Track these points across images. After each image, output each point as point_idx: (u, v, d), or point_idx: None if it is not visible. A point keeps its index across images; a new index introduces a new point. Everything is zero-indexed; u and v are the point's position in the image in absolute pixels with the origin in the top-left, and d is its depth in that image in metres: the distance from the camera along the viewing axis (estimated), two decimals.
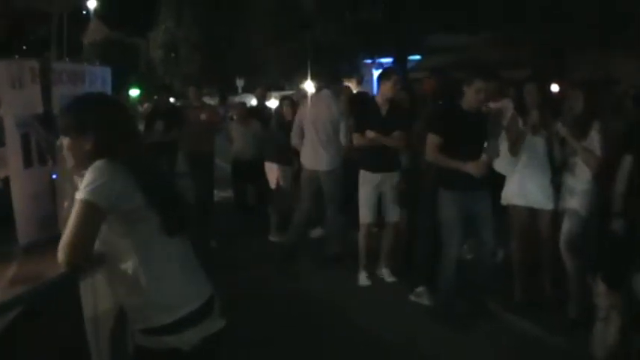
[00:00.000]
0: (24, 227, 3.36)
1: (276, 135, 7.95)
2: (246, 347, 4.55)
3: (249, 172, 8.64)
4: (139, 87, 29.88)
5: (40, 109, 3.70)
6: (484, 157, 4.95)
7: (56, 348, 2.47)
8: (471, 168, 4.84)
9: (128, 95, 32.10)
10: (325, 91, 6.65)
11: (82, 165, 2.12)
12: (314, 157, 6.56)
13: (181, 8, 35.65)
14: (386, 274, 6.22)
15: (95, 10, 35.79)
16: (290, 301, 5.65)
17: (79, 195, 2.01)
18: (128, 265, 2.07)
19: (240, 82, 30.65)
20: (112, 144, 2.09)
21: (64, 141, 2.14)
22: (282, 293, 5.87)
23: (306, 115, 6.66)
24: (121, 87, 32.38)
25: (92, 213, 1.99)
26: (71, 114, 2.16)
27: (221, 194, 10.45)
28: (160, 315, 2.07)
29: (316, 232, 7.79)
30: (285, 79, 27.55)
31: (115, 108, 2.23)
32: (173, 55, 36.92)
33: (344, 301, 5.68)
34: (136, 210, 2.05)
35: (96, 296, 2.58)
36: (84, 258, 2.03)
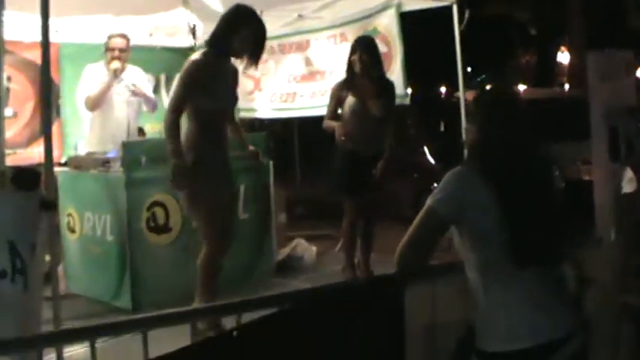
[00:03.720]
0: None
1: None
2: None
3: None
4: None
5: (632, 102, 3.63)
6: None
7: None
8: None
9: None
10: None
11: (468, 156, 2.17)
12: None
13: None
14: None
15: None
16: None
17: (429, 198, 2.00)
18: (472, 281, 2.01)
19: None
20: (483, 143, 2.05)
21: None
22: None
23: None
24: None
25: (431, 220, 1.98)
26: (472, 101, 2.19)
27: None
28: (494, 341, 1.95)
29: None
30: None
31: (504, 107, 2.09)
32: None
33: None
34: (482, 229, 1.95)
35: (434, 306, 2.38)
36: (416, 263, 2.02)
